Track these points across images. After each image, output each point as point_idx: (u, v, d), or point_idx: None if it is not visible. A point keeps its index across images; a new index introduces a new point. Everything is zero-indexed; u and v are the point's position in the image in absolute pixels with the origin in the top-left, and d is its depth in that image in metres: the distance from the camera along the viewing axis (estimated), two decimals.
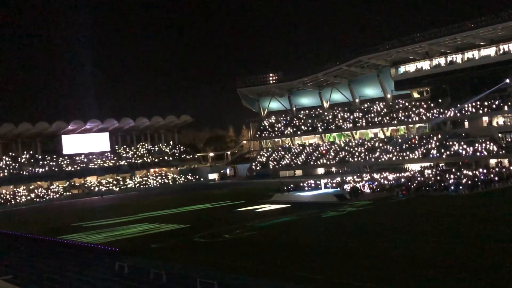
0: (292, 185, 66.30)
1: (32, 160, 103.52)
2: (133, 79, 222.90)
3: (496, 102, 79.83)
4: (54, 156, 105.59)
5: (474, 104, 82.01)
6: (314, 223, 39.91)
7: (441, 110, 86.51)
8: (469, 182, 52.78)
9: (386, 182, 59.93)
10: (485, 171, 61.31)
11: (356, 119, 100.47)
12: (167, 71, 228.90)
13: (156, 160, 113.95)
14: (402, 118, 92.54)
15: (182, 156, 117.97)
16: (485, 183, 53.31)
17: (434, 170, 72.33)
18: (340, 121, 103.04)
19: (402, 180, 59.80)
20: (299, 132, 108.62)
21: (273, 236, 35.34)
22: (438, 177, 58.74)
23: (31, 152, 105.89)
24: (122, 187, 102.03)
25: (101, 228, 46.91)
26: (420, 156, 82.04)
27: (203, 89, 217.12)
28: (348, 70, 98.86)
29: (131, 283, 25.80)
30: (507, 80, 79.12)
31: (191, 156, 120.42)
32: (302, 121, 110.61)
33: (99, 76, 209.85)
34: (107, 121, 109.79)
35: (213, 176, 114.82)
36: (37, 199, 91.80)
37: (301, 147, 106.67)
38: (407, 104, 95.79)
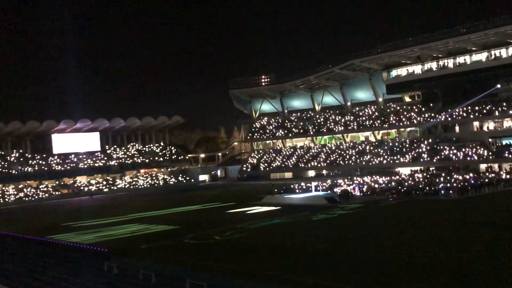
0: (283, 188, 66.29)
1: (21, 159, 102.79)
2: (124, 79, 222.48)
3: (487, 107, 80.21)
4: (44, 155, 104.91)
5: (465, 108, 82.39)
6: (304, 226, 39.84)
7: (432, 114, 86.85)
8: (459, 186, 52.94)
9: (376, 185, 60.03)
10: (475, 175, 61.54)
11: (348, 122, 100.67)
12: (159, 71, 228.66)
13: (147, 160, 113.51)
14: (393, 121, 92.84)
15: (173, 157, 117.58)
16: (475, 187, 53.47)
17: (424, 174, 72.58)
18: (332, 124, 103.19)
19: (393, 183, 59.95)
20: (290, 135, 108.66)
21: (263, 239, 35.22)
22: (429, 181, 58.91)
23: (20, 151, 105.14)
24: (112, 188, 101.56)
25: (91, 229, 46.60)
26: (411, 160, 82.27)
27: (195, 90, 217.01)
28: (340, 73, 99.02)
29: (120, 284, 25.60)
30: (498, 85, 79.56)
31: (182, 157, 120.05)
32: (294, 123, 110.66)
33: (91, 76, 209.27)
34: (98, 120, 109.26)
35: (203, 177, 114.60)
36: (26, 198, 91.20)
37: (292, 150, 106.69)
38: (398, 108, 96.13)
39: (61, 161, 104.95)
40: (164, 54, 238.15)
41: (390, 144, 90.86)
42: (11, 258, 35.80)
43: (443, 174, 65.73)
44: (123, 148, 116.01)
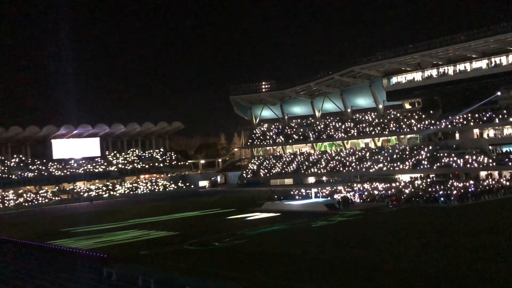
0: (283, 194, 66.23)
1: (21, 164, 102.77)
2: (125, 85, 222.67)
3: (487, 115, 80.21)
4: (44, 161, 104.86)
5: (465, 116, 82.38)
6: (304, 233, 39.75)
7: (432, 121, 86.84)
8: (459, 193, 52.87)
9: (376, 192, 59.95)
10: (475, 183, 61.44)
11: (348, 129, 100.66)
12: (159, 77, 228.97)
13: (147, 166, 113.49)
14: (394, 128, 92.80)
15: (173, 163, 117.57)
16: (475, 195, 53.39)
17: (424, 181, 72.51)
18: (332, 130, 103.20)
19: (393, 190, 59.87)
20: (290, 141, 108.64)
21: (262, 245, 35.15)
22: (429, 188, 58.83)
23: (20, 156, 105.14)
24: (112, 193, 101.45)
25: (90, 234, 46.54)
26: (411, 167, 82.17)
27: (195, 96, 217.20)
28: (341, 80, 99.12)
29: None
30: (499, 93, 79.58)
31: (182, 163, 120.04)
32: (294, 129, 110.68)
33: (91, 81, 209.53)
34: (98, 126, 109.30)
35: (203, 183, 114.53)
36: (26, 204, 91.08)
37: (292, 156, 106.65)
38: (398, 114, 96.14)
39: (61, 167, 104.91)
40: (165, 60, 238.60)
41: (390, 151, 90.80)
42: (10, 263, 35.71)
43: (443, 181, 65.61)
44: (123, 153, 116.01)
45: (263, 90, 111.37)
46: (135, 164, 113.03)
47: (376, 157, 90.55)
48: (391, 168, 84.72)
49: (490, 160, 75.14)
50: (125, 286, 26.11)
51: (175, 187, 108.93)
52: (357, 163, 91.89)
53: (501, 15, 77.65)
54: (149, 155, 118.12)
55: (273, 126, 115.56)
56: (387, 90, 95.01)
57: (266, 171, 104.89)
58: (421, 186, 62.91)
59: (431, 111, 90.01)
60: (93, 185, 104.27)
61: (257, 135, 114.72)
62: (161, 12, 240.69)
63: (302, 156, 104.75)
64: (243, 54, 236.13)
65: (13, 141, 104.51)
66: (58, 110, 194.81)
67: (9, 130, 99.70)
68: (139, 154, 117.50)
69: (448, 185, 60.19)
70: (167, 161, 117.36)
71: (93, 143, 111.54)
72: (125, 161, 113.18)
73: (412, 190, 59.30)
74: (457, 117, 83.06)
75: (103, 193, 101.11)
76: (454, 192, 53.64)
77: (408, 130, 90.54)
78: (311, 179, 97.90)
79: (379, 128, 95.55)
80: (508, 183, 61.29)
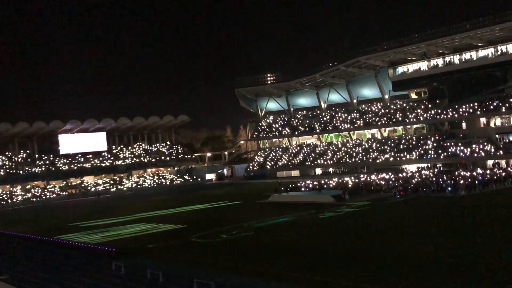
0: (290, 186, 66.29)
1: (28, 160, 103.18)
2: (131, 79, 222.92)
3: (494, 103, 79.80)
4: (51, 156, 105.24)
5: (471, 105, 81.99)
6: (312, 224, 39.79)
7: (439, 111, 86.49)
8: (466, 183, 52.73)
9: (383, 182, 59.85)
10: (482, 172, 61.27)
11: (354, 120, 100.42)
12: (165, 71, 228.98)
13: (153, 160, 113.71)
14: (400, 118, 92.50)
15: (180, 156, 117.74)
16: (482, 184, 53.24)
17: (431, 170, 72.34)
18: (338, 121, 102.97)
19: (400, 181, 59.77)
20: (296, 133, 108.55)
21: (270, 237, 35.23)
22: (435, 178, 58.69)
23: (27, 151, 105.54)
24: (119, 187, 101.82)
25: (98, 228, 46.80)
26: (418, 157, 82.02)
27: (200, 89, 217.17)
28: (346, 71, 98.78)
29: (128, 283, 25.67)
30: None
31: (188, 156, 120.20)
32: (300, 121, 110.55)
33: (97, 76, 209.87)
34: (104, 120, 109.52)
35: (210, 176, 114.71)
36: (34, 199, 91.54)
37: (298, 148, 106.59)
38: (404, 104, 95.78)
39: (68, 161, 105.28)
40: (170, 53, 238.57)
41: (397, 141, 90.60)
42: (19, 258, 35.96)
43: (450, 171, 65.46)
44: (130, 147, 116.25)
45: (269, 82, 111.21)
46: (142, 158, 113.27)
47: (382, 147, 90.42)
48: (398, 159, 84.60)
49: (497, 149, 74.86)
50: (134, 280, 26.25)
51: (182, 180, 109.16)
52: (363, 154, 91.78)
53: (507, 3, 77.08)
54: (156, 148, 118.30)
55: (279, 118, 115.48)
56: (393, 80, 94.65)
57: (272, 163, 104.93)
58: (428, 176, 62.78)
59: (437, 101, 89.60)
60: (100, 180, 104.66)
61: (263, 127, 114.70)
62: (166, 5, 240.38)
63: (308, 148, 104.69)
64: (248, 46, 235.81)
65: (20, 137, 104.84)
66: (65, 105, 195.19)
67: (16, 126, 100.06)
68: (146, 148, 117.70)
69: (455, 175, 60.05)
70: (174, 154, 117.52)
71: (100, 138, 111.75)
72: (132, 155, 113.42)
73: (419, 180, 59.22)
74: (464, 106, 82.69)
75: (111, 187, 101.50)
76: (462, 181, 53.50)
77: (414, 120, 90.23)
78: (318, 171, 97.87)
79: (385, 118, 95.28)
80: None
